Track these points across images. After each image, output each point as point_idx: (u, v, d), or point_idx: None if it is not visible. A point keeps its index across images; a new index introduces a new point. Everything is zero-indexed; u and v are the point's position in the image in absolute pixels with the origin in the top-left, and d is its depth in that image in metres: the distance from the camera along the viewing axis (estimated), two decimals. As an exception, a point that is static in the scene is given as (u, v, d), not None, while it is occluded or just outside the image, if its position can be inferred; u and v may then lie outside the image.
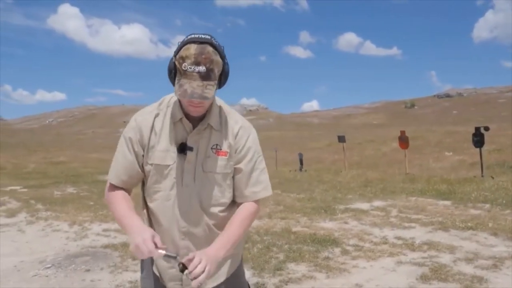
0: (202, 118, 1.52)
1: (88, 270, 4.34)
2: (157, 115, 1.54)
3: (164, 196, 1.54)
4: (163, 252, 1.35)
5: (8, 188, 11.76)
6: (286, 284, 3.84)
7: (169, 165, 1.51)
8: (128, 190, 1.61)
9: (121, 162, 1.56)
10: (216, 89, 1.41)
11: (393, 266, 4.27)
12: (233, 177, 1.57)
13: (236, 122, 1.58)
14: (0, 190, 11.26)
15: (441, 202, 7.83)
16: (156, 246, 1.34)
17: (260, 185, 1.59)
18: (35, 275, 4.23)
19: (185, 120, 1.50)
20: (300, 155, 18.69)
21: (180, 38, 1.43)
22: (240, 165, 1.56)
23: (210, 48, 1.37)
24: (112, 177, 1.58)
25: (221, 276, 1.62)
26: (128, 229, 1.43)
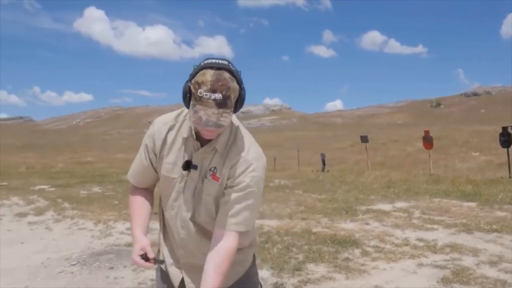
0: (209, 139, 1.52)
1: (111, 268, 4.45)
2: (171, 128, 1.56)
3: (169, 205, 1.61)
4: (152, 263, 1.51)
5: (37, 187, 12.10)
6: (305, 285, 3.86)
7: (174, 178, 1.56)
8: (150, 188, 1.70)
9: (138, 165, 1.65)
10: (231, 115, 1.41)
11: (413, 268, 4.24)
12: None
13: (239, 152, 1.52)
14: (30, 189, 11.61)
15: (466, 204, 7.69)
16: (146, 257, 1.49)
17: (236, 218, 1.50)
18: (61, 272, 4.37)
19: (192, 139, 1.52)
20: (323, 155, 18.61)
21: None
22: (227, 192, 1.52)
23: (227, 75, 1.34)
24: (130, 177, 1.69)
25: (229, 280, 1.63)
26: (134, 232, 1.59)
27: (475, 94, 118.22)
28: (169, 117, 1.60)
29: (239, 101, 1.42)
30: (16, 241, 5.75)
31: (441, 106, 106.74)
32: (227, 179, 1.52)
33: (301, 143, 32.64)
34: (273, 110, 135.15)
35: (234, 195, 1.50)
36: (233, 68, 1.38)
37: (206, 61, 1.37)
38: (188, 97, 1.38)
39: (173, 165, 1.54)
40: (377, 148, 26.09)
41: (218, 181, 1.51)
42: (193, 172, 1.53)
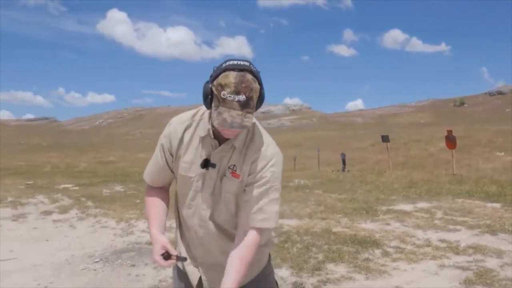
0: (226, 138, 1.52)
1: (133, 265, 4.53)
2: (188, 127, 1.57)
3: (187, 204, 1.61)
4: (174, 260, 1.52)
5: (61, 186, 12.36)
6: (325, 284, 3.85)
7: (192, 177, 1.56)
8: (165, 187, 1.72)
9: (154, 165, 1.66)
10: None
11: (435, 269, 4.18)
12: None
13: (258, 148, 1.54)
14: (54, 188, 11.88)
15: (490, 205, 7.54)
16: (168, 255, 1.50)
17: (263, 214, 1.52)
18: (84, 269, 4.47)
19: (210, 138, 1.52)
20: (343, 155, 18.48)
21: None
22: (249, 188, 1.53)
23: (249, 76, 1.35)
24: (146, 176, 1.69)
25: (246, 278, 1.63)
26: (151, 231, 1.59)
27: (500, 93, 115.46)
28: (185, 116, 1.61)
29: (260, 101, 1.43)
30: (41, 238, 5.90)
31: (465, 105, 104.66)
32: (248, 176, 1.52)
33: (321, 143, 32.45)
34: (293, 110, 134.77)
35: (256, 191, 1.51)
36: (254, 69, 1.38)
37: (228, 63, 1.37)
38: (210, 98, 1.39)
39: (190, 164, 1.55)
40: (398, 148, 25.75)
41: (239, 178, 1.52)
42: (211, 171, 1.53)
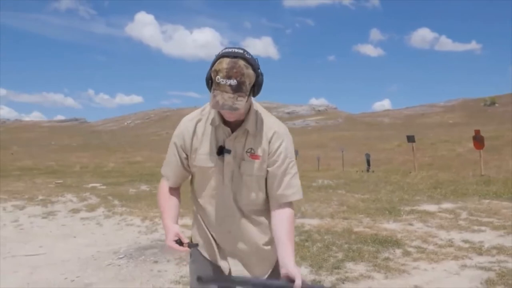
0: (240, 123, 1.63)
1: (156, 262, 4.65)
2: (199, 121, 1.68)
3: (209, 194, 1.70)
4: (186, 247, 1.61)
5: (90, 185, 12.71)
6: (343, 283, 3.87)
7: (211, 167, 1.65)
8: (178, 184, 1.80)
9: (169, 162, 1.76)
10: (248, 99, 1.54)
11: (456, 270, 4.14)
12: (266, 180, 1.67)
13: (270, 128, 1.66)
14: (83, 187, 12.22)
15: (517, 206, 7.37)
16: (180, 242, 1.59)
17: (291, 188, 1.65)
18: (109, 264, 4.62)
19: (222, 125, 1.63)
20: (367, 155, 18.29)
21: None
22: (272, 169, 1.64)
23: (242, 62, 1.46)
24: (163, 171, 1.79)
25: (268, 266, 1.76)
26: (164, 221, 1.68)
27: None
28: (193, 114, 1.73)
29: (256, 86, 1.54)
30: (69, 235, 6.11)
31: (496, 105, 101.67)
32: (268, 155, 1.64)
33: (346, 143, 32.16)
34: (318, 111, 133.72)
35: (280, 170, 1.64)
36: (248, 56, 1.49)
37: (223, 51, 1.49)
38: (210, 83, 1.52)
39: (207, 155, 1.64)
40: (425, 148, 25.31)
41: (259, 159, 1.63)
42: (227, 157, 1.63)
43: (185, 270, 4.29)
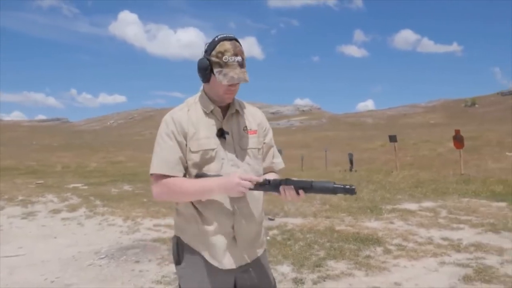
0: (227, 108, 1.77)
1: (137, 262, 4.62)
2: (188, 110, 1.76)
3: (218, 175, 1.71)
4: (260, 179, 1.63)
5: (71, 186, 12.55)
6: (324, 280, 3.90)
7: (214, 149, 1.71)
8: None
9: (169, 153, 1.70)
10: None
11: (435, 266, 4.22)
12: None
13: (253, 107, 1.90)
14: (64, 187, 12.06)
15: (495, 204, 7.52)
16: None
17: (278, 158, 1.93)
18: (90, 265, 4.57)
19: (217, 109, 1.75)
20: (350, 155, 18.45)
21: None
22: (266, 140, 1.88)
23: (238, 43, 1.67)
24: (162, 168, 1.69)
25: (262, 246, 1.86)
26: (213, 183, 1.63)
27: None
28: (179, 107, 1.80)
29: None
30: (50, 235, 6.03)
31: (476, 105, 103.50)
32: (262, 130, 1.86)
33: (330, 143, 32.41)
34: (303, 111, 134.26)
35: (270, 141, 1.89)
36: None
37: (219, 36, 1.67)
38: (209, 69, 1.66)
39: (207, 138, 1.71)
40: (407, 148, 25.65)
41: (256, 133, 1.82)
42: (227, 138, 1.74)
43: (167, 270, 4.28)
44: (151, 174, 1.71)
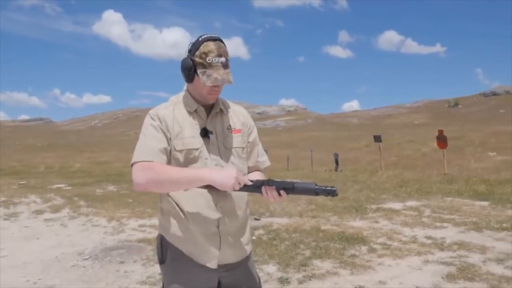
0: (210, 107, 1.76)
1: (122, 262, 4.58)
2: (174, 108, 1.74)
3: None
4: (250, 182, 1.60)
5: (55, 186, 12.38)
6: (310, 280, 3.92)
7: (198, 148, 1.69)
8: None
9: (154, 143, 1.65)
10: None
11: (419, 265, 4.26)
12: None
13: (237, 106, 1.88)
14: (47, 188, 11.89)
15: (478, 203, 7.64)
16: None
17: (264, 156, 1.92)
18: (74, 266, 4.52)
19: (201, 109, 1.73)
20: (336, 155, 18.55)
21: None
22: (250, 139, 1.86)
23: (223, 43, 1.66)
24: (148, 155, 1.62)
25: (248, 245, 1.83)
26: (205, 171, 1.59)
27: (494, 93, 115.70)
28: (164, 104, 1.78)
29: None
30: (32, 237, 5.94)
31: (459, 106, 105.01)
32: (247, 129, 1.84)
33: (316, 143, 32.52)
34: (288, 111, 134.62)
35: (254, 140, 1.87)
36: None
37: (203, 37, 1.65)
38: (193, 69, 1.64)
39: (192, 138, 1.70)
40: (391, 148, 25.91)
41: (240, 132, 1.80)
42: (211, 137, 1.73)
43: (152, 270, 4.24)
44: (132, 164, 1.62)
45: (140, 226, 6.40)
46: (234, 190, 1.60)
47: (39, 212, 7.82)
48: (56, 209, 8.06)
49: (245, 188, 1.61)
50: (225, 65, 1.63)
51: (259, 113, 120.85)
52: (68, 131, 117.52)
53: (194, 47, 1.64)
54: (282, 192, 1.59)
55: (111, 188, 12.00)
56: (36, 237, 5.93)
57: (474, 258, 4.40)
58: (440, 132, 13.77)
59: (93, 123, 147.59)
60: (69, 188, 12.00)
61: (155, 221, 6.64)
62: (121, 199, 9.39)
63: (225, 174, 1.56)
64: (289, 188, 1.59)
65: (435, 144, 16.29)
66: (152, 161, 1.60)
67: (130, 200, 9.02)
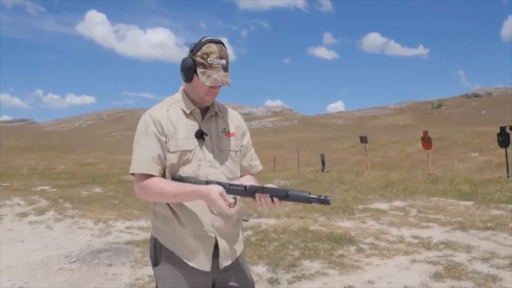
0: (206, 109, 1.78)
1: (110, 265, 4.53)
2: (169, 109, 1.74)
3: (195, 177, 1.69)
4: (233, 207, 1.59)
5: (39, 188, 12.21)
6: (299, 280, 3.93)
7: (192, 150, 1.70)
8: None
9: (148, 153, 1.67)
10: None
11: (407, 264, 4.31)
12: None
13: (231, 110, 1.91)
14: (31, 190, 11.72)
15: (462, 203, 7.75)
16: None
17: (256, 160, 1.94)
18: (60, 269, 4.45)
19: (196, 111, 1.75)
20: (322, 155, 18.65)
21: None
22: (244, 143, 1.87)
23: (224, 47, 1.69)
24: (146, 167, 1.66)
25: (240, 246, 1.85)
26: (194, 190, 1.60)
27: (476, 95, 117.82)
28: (159, 105, 1.78)
29: None
30: (17, 240, 5.85)
31: (442, 107, 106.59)
32: (240, 133, 1.86)
33: (301, 144, 32.63)
34: (274, 112, 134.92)
35: (248, 144, 1.89)
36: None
37: (206, 38, 1.69)
38: (193, 68, 1.67)
39: (186, 139, 1.70)
40: (377, 149, 26.14)
41: (233, 135, 1.82)
42: (206, 139, 1.74)
43: (141, 272, 4.21)
44: (132, 174, 1.71)
45: (127, 228, 6.35)
46: (229, 194, 1.60)
47: (23, 214, 7.69)
48: (41, 212, 7.94)
49: (239, 193, 1.63)
50: (225, 68, 1.66)
51: (245, 114, 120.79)
52: (51, 132, 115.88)
53: (196, 47, 1.67)
54: (275, 199, 1.60)
55: (97, 189, 11.87)
56: (20, 240, 5.84)
57: (460, 257, 4.46)
58: (425, 133, 13.95)
59: (77, 124, 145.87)
60: (54, 190, 11.84)
61: (142, 222, 6.59)
62: (107, 200, 9.30)
63: (207, 197, 1.57)
64: (283, 196, 1.60)
65: (419, 145, 16.51)
66: (150, 177, 1.66)
67: (117, 202, 8.94)
